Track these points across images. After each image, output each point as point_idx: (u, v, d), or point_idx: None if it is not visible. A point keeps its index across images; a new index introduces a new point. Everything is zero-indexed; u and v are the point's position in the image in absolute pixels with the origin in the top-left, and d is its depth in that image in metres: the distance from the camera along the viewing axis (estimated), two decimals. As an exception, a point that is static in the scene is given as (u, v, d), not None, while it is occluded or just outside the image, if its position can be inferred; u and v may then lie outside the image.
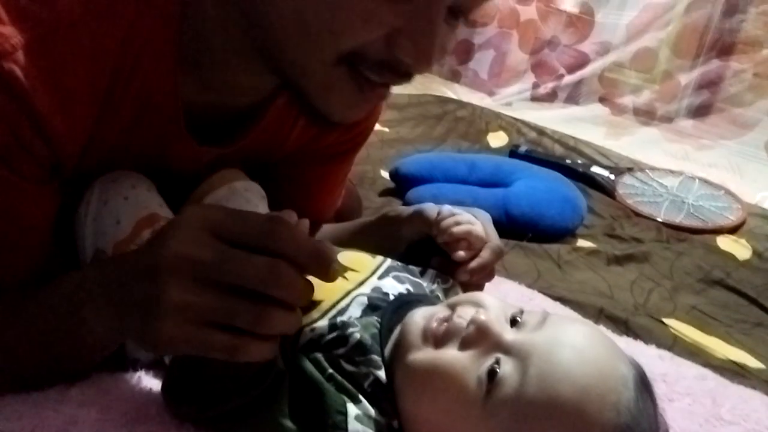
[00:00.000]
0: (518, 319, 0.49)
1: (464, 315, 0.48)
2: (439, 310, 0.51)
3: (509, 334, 0.47)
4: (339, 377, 0.49)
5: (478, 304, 0.49)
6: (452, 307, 0.50)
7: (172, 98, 0.55)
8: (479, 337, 0.47)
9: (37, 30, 0.45)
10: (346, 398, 0.48)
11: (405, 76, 0.52)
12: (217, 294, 0.40)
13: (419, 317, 0.51)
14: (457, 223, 0.64)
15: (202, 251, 0.40)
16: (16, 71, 0.44)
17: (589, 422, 0.43)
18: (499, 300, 0.51)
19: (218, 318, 0.40)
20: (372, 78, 0.51)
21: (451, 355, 0.47)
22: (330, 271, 0.42)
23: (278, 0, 0.48)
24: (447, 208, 0.67)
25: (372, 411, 0.48)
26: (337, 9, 0.46)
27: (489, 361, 0.46)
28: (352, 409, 0.47)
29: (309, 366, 0.49)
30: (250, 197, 0.67)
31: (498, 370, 0.45)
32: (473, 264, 0.64)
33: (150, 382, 0.54)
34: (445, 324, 0.49)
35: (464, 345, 0.47)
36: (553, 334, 0.46)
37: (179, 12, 0.51)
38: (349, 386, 0.48)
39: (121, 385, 0.53)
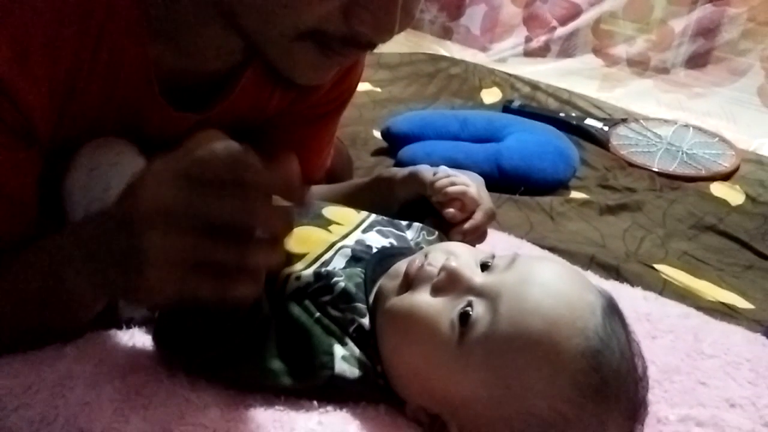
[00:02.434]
0: (489, 263, 0.50)
1: (435, 262, 0.50)
2: (416, 257, 0.52)
3: (479, 278, 0.49)
4: (326, 321, 0.51)
5: (448, 252, 0.51)
6: (424, 256, 0.52)
7: (143, 64, 0.54)
8: (450, 283, 0.48)
9: None
10: (333, 340, 0.49)
11: (368, 47, 0.51)
12: (197, 235, 0.40)
13: (400, 267, 0.52)
14: (453, 184, 0.66)
15: (174, 197, 0.40)
16: None
17: (559, 350, 0.44)
18: (468, 247, 0.52)
19: (202, 257, 0.41)
20: (335, 48, 0.50)
21: (424, 301, 0.48)
22: (298, 193, 0.43)
23: None
24: (443, 169, 0.68)
25: (357, 352, 0.50)
26: None
27: (461, 305, 0.47)
28: (338, 350, 0.49)
29: (297, 310, 0.51)
30: None
31: (471, 312, 0.46)
32: (466, 225, 0.66)
33: (143, 338, 0.55)
34: (417, 269, 0.50)
35: (436, 291, 0.49)
36: (522, 273, 0.48)
37: None
38: (336, 329, 0.50)
39: (115, 341, 0.54)
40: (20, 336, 0.51)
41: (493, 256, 0.51)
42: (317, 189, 0.84)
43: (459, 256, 0.50)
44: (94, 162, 0.57)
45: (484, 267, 0.51)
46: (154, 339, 0.51)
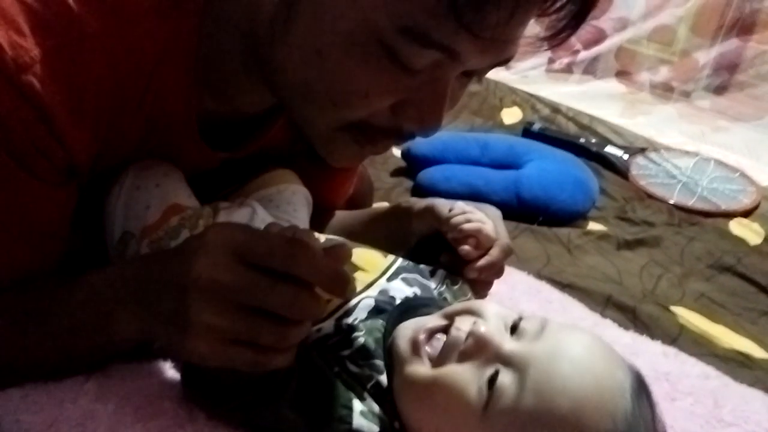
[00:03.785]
0: (517, 324, 0.50)
1: (462, 326, 0.49)
2: (430, 321, 0.51)
3: (508, 345, 0.48)
4: (345, 375, 0.50)
5: (476, 314, 0.50)
6: (450, 317, 0.51)
7: (187, 108, 0.56)
8: (478, 350, 0.47)
9: (53, 42, 0.46)
10: (352, 394, 0.49)
11: (409, 137, 0.53)
12: (242, 315, 0.42)
13: (409, 329, 0.51)
14: (468, 221, 0.65)
15: (227, 276, 0.42)
16: (34, 83, 0.45)
17: None
18: (497, 306, 0.51)
19: (243, 336, 0.43)
20: (375, 138, 0.52)
21: (452, 370, 0.48)
22: (347, 292, 0.45)
23: (287, 65, 0.49)
24: (459, 205, 0.68)
25: (376, 408, 0.49)
26: (339, 83, 0.47)
27: (489, 372, 0.47)
28: (357, 405, 0.49)
29: (319, 361, 0.51)
30: (293, 200, 0.70)
31: (497, 379, 0.46)
32: (482, 262, 0.65)
33: (164, 375, 0.55)
34: (441, 337, 0.49)
35: (463, 357, 0.48)
36: (551, 345, 0.47)
37: (195, 27, 0.52)
38: (355, 384, 0.50)
39: (136, 378, 0.55)
40: (53, 367, 0.52)
41: (521, 318, 0.51)
42: (338, 215, 0.84)
43: (488, 319, 0.50)
44: (139, 181, 0.59)
45: (513, 328, 0.50)
46: (181, 380, 0.52)
